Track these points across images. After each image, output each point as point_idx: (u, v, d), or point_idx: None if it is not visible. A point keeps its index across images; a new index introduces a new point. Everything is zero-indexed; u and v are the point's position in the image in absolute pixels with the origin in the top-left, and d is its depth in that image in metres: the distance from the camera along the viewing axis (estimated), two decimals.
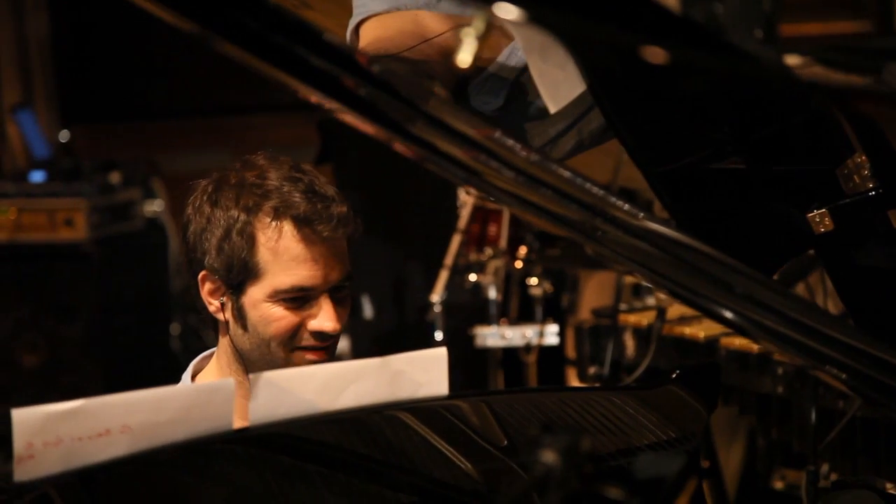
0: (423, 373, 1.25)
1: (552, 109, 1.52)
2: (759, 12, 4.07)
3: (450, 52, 1.55)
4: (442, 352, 1.26)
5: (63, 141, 4.80)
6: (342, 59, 1.12)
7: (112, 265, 4.33)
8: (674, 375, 1.37)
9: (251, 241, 1.65)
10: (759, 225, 1.32)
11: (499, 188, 1.17)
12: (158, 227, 4.63)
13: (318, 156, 3.93)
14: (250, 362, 1.68)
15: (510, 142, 1.17)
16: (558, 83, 1.51)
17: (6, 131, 4.85)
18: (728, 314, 1.13)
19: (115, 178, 4.44)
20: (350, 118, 1.14)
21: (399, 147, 1.17)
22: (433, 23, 1.69)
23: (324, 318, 1.65)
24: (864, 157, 1.18)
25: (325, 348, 1.68)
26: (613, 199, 1.15)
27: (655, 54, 0.92)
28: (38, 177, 4.35)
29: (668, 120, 1.29)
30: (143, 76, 5.32)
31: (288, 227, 1.65)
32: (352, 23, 1.78)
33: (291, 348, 1.67)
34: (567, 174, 1.15)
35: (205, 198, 1.68)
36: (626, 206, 1.14)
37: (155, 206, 4.61)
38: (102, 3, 5.05)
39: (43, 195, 4.24)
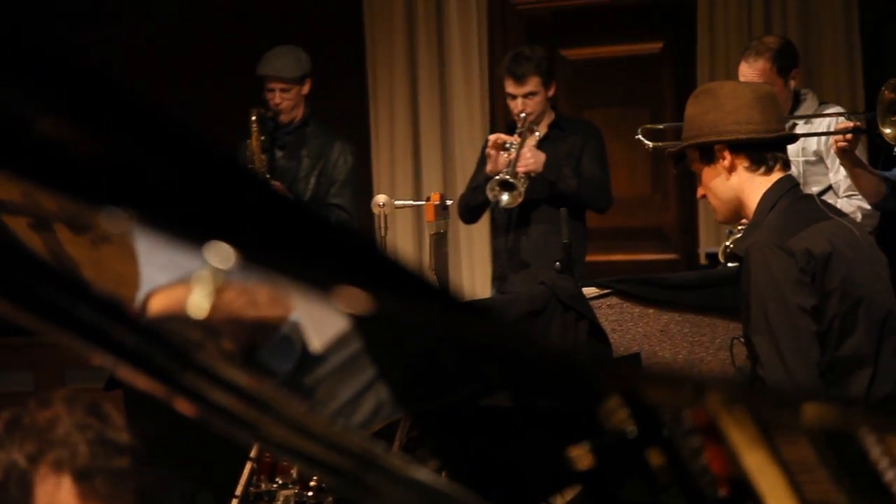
0: None
1: (315, 346, 1.54)
2: (558, 243, 4.24)
3: (241, 318, 1.57)
4: None
5: None
6: (110, 311, 1.13)
7: None
8: None
9: (28, 493, 1.60)
10: (523, 461, 1.36)
11: (274, 442, 1.18)
12: None
13: (107, 381, 3.87)
14: None
15: (286, 394, 1.18)
16: (322, 319, 1.54)
17: None
18: None
19: None
20: (120, 370, 1.15)
21: (177, 404, 1.17)
22: (232, 292, 1.71)
23: None
24: (620, 400, 1.25)
25: None
26: (384, 451, 1.18)
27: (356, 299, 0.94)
28: None
29: (429, 359, 1.34)
30: None
31: (67, 482, 1.61)
32: (140, 296, 1.80)
33: None
34: (337, 427, 1.18)
35: None
36: (398, 457, 1.17)
37: None
38: None
39: None
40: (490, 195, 4.72)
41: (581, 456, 1.37)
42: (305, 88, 5.34)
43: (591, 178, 4.92)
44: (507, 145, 4.78)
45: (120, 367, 1.17)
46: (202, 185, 0.80)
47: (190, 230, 0.85)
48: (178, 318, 1.58)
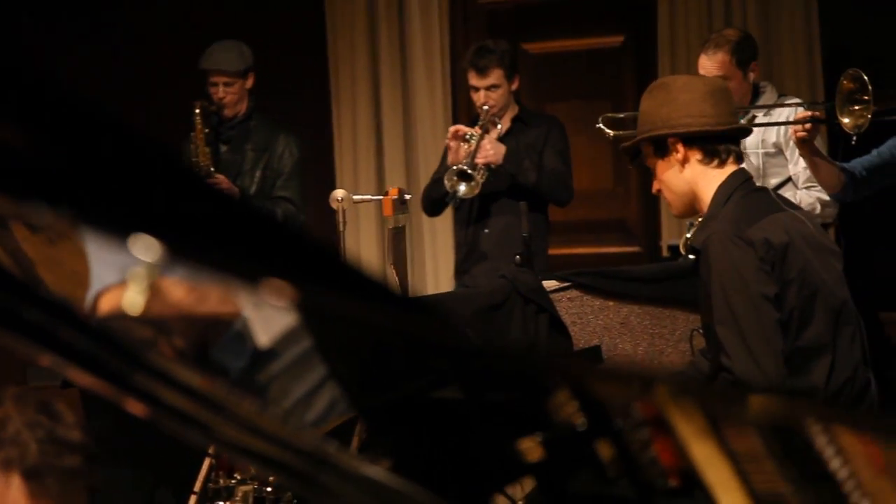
0: None
1: (261, 342, 1.54)
2: (520, 236, 4.26)
3: (190, 315, 1.57)
4: None
5: None
6: (58, 311, 1.12)
7: None
8: None
9: None
10: (474, 454, 1.37)
11: (226, 442, 1.18)
12: None
13: (64, 379, 3.85)
14: None
15: (238, 393, 1.18)
16: (268, 315, 1.54)
17: None
18: None
19: None
20: (69, 372, 1.14)
21: (128, 404, 1.16)
22: (174, 288, 1.71)
23: None
24: (569, 394, 1.26)
25: None
26: (337, 449, 1.18)
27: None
28: None
29: (374, 353, 1.34)
30: None
31: (17, 481, 1.60)
32: (89, 297, 1.79)
33: None
34: (290, 426, 1.18)
35: None
36: (351, 455, 1.17)
37: None
38: None
39: None
40: (447, 185, 4.73)
41: (531, 448, 1.38)
42: (249, 82, 5.31)
43: (552, 171, 4.93)
44: (468, 136, 4.79)
45: (68, 369, 1.16)
46: (126, 175, 0.80)
47: (115, 223, 0.85)
48: (128, 317, 1.58)
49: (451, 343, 1.12)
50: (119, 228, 0.83)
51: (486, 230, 4.96)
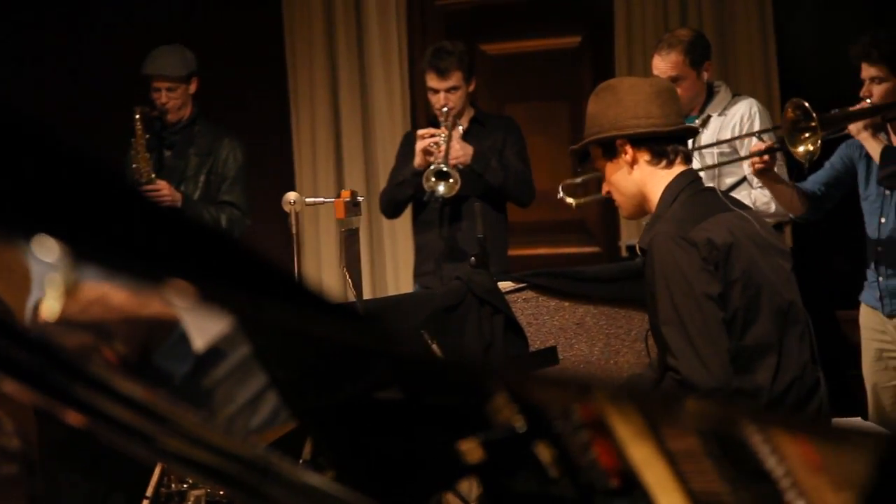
0: None
1: (198, 346, 1.54)
2: (472, 237, 4.25)
3: (133, 318, 1.57)
4: None
5: None
6: None
7: None
8: None
9: None
10: (414, 455, 1.38)
11: (169, 453, 1.18)
12: None
13: None
14: None
15: (182, 402, 1.18)
16: (203, 320, 1.54)
17: None
18: None
19: None
20: (8, 387, 1.14)
21: (68, 416, 1.16)
22: (115, 294, 1.71)
23: None
24: (507, 399, 1.27)
25: None
26: (278, 457, 1.19)
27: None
28: None
29: (315, 356, 1.34)
30: None
31: None
32: (30, 303, 1.78)
33: None
34: (233, 436, 1.18)
35: None
36: (293, 464, 1.17)
37: None
38: None
39: None
40: (426, 186, 4.74)
41: (471, 449, 1.39)
42: (192, 87, 5.28)
43: (516, 171, 4.96)
44: (437, 138, 4.81)
45: (4, 381, 1.16)
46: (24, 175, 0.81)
47: (17, 223, 0.85)
48: (70, 324, 1.58)
49: (385, 349, 1.12)
50: (20, 229, 0.83)
51: (446, 232, 4.97)
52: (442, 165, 4.72)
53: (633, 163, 2.99)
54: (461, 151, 4.80)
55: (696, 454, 1.34)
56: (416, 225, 5.20)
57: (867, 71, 4.20)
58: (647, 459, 1.36)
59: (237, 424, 1.55)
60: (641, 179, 3.00)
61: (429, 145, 4.79)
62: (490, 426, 1.38)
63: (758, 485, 1.34)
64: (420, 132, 4.89)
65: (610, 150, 3.01)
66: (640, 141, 2.98)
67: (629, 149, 2.99)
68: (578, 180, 4.85)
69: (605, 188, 3.12)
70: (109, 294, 1.70)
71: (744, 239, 2.91)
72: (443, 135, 4.81)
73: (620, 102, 2.97)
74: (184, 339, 1.70)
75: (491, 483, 1.43)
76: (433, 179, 4.73)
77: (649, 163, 2.99)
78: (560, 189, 4.72)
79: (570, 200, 4.68)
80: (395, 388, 1.38)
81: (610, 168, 3.04)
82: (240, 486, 1.20)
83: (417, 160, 4.82)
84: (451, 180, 4.72)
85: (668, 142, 2.99)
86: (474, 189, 4.85)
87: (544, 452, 1.42)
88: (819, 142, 3.92)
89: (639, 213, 3.12)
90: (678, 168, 3.00)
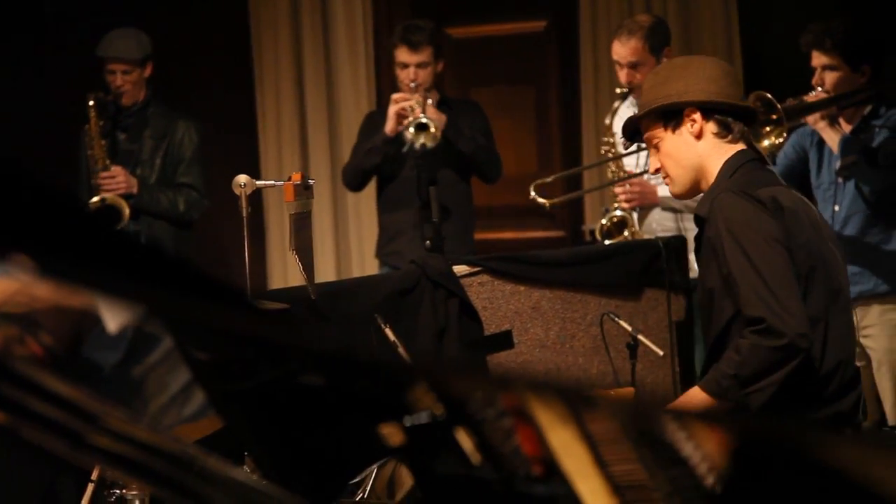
0: None
1: (112, 328, 1.54)
2: (428, 222, 4.23)
3: (60, 310, 1.56)
4: None
5: None
6: None
7: None
8: None
9: None
10: (335, 438, 1.39)
11: (99, 449, 1.17)
12: None
13: None
14: None
15: (106, 402, 1.18)
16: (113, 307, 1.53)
17: None
18: None
19: None
20: None
21: None
22: (38, 286, 1.70)
23: None
24: (426, 388, 1.28)
25: None
26: (203, 454, 1.19)
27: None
28: None
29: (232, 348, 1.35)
30: None
31: None
32: None
33: None
34: (158, 431, 1.19)
35: None
36: (216, 459, 1.18)
37: None
38: None
39: None
40: (409, 138, 4.76)
41: (393, 433, 1.40)
42: (147, 71, 5.24)
43: (485, 146, 4.98)
44: (410, 101, 4.82)
45: None
46: None
47: None
48: None
49: (300, 345, 1.13)
50: None
51: (408, 213, 4.97)
52: (421, 117, 4.73)
53: (700, 135, 2.93)
54: (435, 116, 4.81)
55: (616, 440, 1.35)
56: (380, 204, 5.20)
57: (819, 59, 4.21)
58: (567, 445, 1.38)
59: (173, 410, 1.56)
60: (705, 151, 2.94)
61: (402, 109, 4.79)
62: (410, 413, 1.39)
63: (676, 469, 1.36)
64: (395, 96, 4.88)
65: (673, 118, 2.95)
66: (711, 111, 2.93)
67: (698, 117, 2.93)
68: (549, 179, 4.86)
69: (653, 164, 3.04)
70: (31, 285, 1.69)
71: (804, 216, 2.88)
72: (417, 98, 4.82)
73: (693, 73, 2.92)
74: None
75: (417, 465, 1.44)
76: (413, 131, 4.75)
77: (716, 135, 2.93)
78: (531, 189, 4.71)
79: (541, 201, 4.68)
80: (314, 376, 1.39)
81: (670, 139, 2.96)
82: (165, 483, 1.20)
83: (389, 125, 4.82)
84: (431, 129, 4.74)
85: (737, 118, 2.95)
86: (441, 162, 4.86)
87: (465, 439, 1.43)
88: (784, 133, 3.93)
89: (692, 190, 3.00)
90: (741, 146, 2.95)
